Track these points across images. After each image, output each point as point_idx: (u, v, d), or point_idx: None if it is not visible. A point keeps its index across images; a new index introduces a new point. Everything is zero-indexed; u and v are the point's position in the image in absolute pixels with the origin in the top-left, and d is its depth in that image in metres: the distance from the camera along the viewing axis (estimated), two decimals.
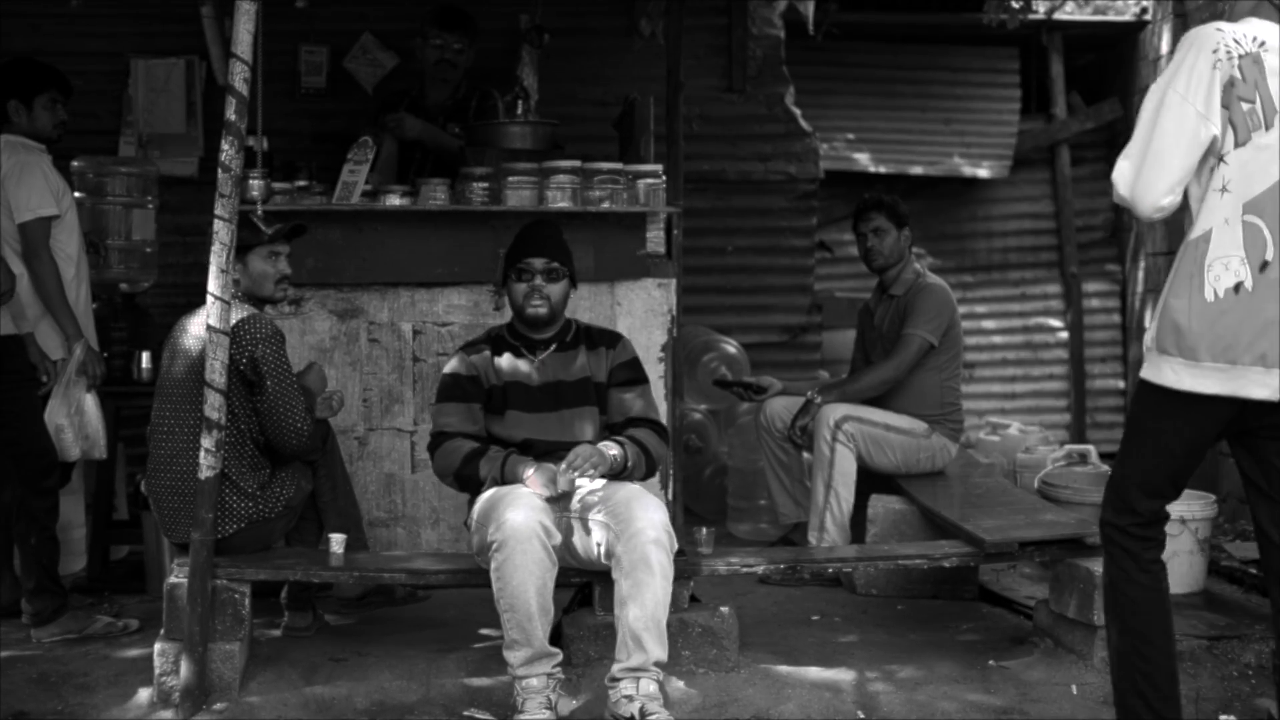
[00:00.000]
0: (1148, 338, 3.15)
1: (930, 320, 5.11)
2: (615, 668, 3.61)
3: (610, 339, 4.11)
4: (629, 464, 3.84)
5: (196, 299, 3.98)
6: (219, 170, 3.67)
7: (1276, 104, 3.05)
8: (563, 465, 3.73)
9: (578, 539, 3.81)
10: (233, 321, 3.78)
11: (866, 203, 5.27)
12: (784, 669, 4.01)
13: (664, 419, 4.05)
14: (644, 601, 3.57)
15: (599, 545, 3.75)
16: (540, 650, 3.59)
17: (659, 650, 3.60)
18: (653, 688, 3.58)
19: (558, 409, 3.98)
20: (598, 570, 3.84)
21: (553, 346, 4.03)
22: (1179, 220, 6.42)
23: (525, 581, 3.55)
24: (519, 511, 3.59)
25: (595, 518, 3.76)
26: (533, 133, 5.01)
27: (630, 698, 3.56)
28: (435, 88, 5.53)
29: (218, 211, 3.66)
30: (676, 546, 3.71)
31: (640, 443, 3.90)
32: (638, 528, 3.62)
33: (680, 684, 3.86)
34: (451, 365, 4.01)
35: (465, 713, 3.70)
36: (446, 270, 4.79)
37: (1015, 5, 6.79)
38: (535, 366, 4.00)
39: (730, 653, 4.00)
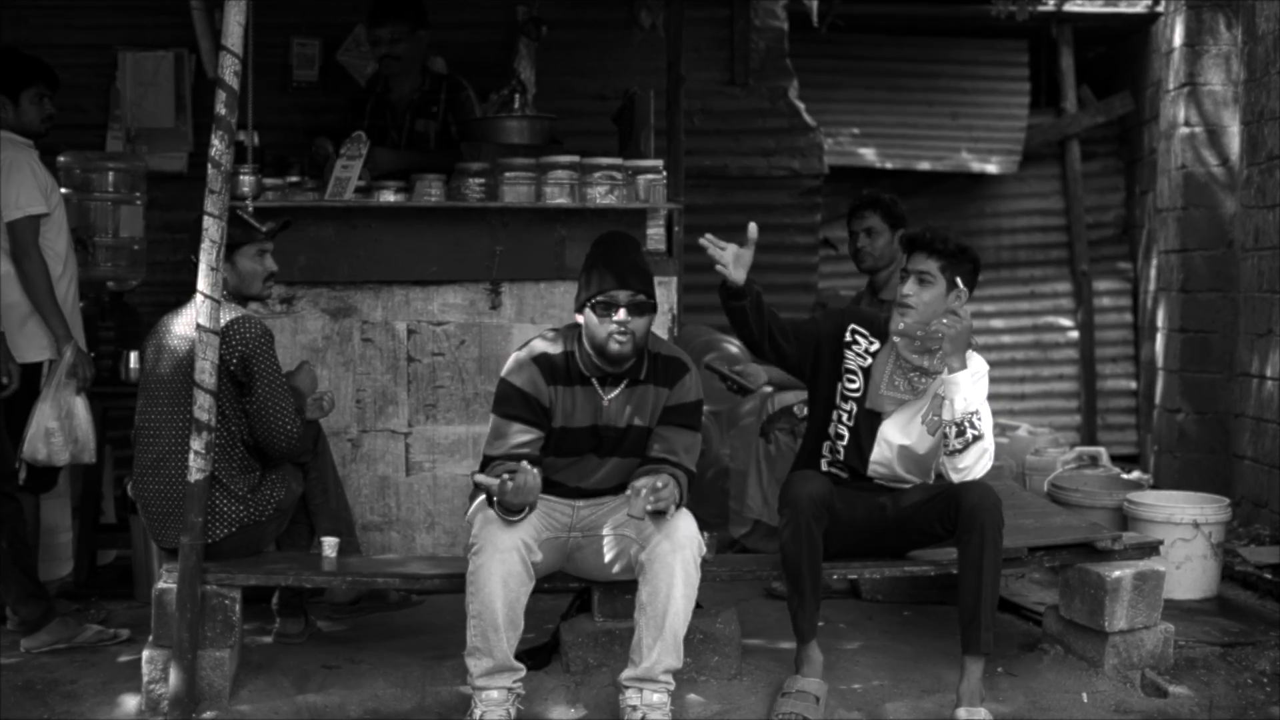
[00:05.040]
0: None
1: None
2: (624, 673, 3.60)
3: (671, 375, 3.74)
4: (678, 503, 3.59)
5: (186, 297, 3.94)
6: (209, 165, 3.62)
7: None
8: (643, 491, 3.45)
9: (582, 556, 3.77)
10: (222, 322, 3.72)
11: (863, 200, 5.10)
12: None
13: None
14: (662, 607, 3.52)
15: (610, 557, 3.70)
16: (502, 663, 3.54)
17: (671, 658, 3.56)
18: (656, 698, 3.56)
19: (613, 455, 3.74)
20: (598, 580, 3.80)
21: (623, 383, 3.72)
22: (1192, 217, 6.30)
23: (495, 591, 3.48)
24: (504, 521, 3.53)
25: (610, 532, 3.71)
26: (530, 127, 4.96)
27: (634, 707, 3.56)
28: (395, 81, 5.44)
29: (207, 208, 3.62)
30: (705, 553, 3.64)
31: (680, 484, 3.61)
32: (665, 533, 3.55)
33: (682, 691, 3.80)
34: (516, 375, 3.68)
35: None
36: (442, 268, 4.72)
37: None
38: (600, 408, 3.71)
39: (732, 660, 3.96)
